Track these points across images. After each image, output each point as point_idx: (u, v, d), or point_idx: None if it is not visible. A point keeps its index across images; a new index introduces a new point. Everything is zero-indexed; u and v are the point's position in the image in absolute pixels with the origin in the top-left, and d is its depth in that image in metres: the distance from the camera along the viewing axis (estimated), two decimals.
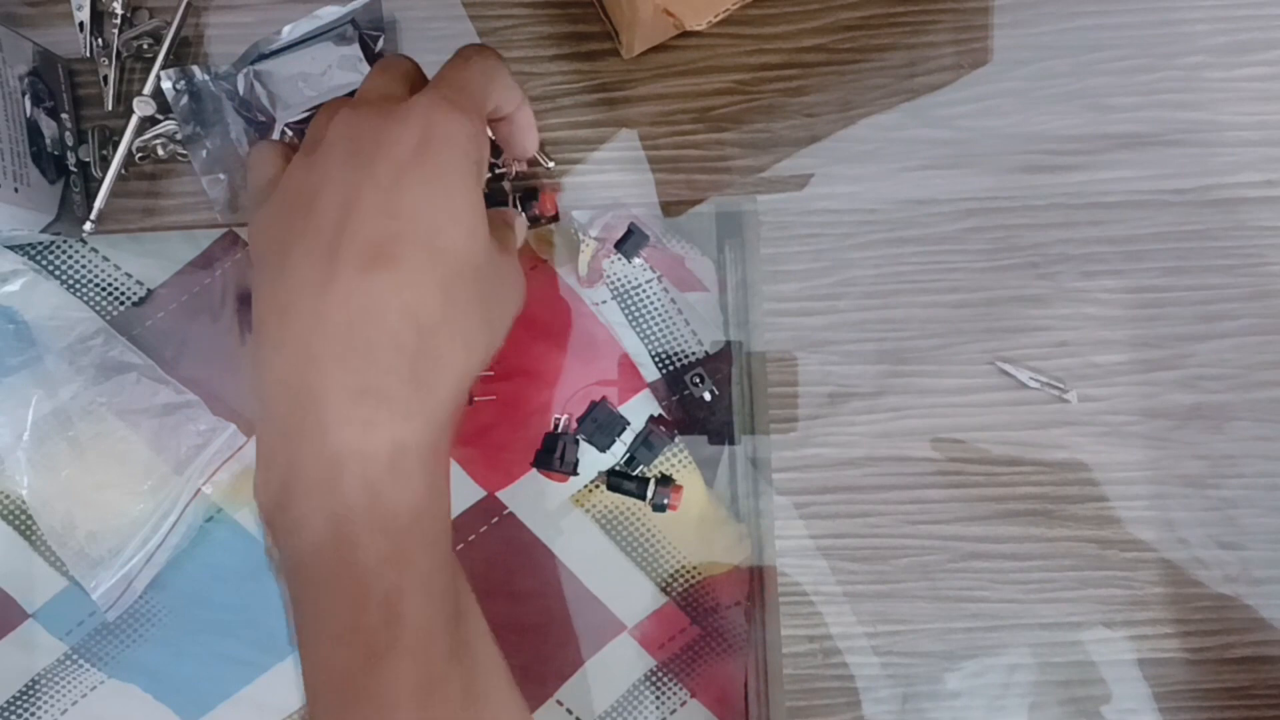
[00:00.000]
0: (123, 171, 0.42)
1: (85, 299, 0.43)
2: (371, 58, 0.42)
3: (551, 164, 0.43)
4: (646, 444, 0.43)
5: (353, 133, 0.32)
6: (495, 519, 0.45)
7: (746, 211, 0.44)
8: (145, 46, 0.42)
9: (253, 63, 0.41)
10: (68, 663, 0.44)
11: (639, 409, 0.44)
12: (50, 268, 0.43)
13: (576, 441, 0.44)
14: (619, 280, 0.44)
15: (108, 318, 0.44)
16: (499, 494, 0.44)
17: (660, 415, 0.45)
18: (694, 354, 0.45)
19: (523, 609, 0.45)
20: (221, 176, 0.42)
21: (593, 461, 0.44)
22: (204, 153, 0.41)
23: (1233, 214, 0.44)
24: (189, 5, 0.42)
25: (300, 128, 0.41)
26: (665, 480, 0.44)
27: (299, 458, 0.30)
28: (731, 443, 0.45)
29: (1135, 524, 0.44)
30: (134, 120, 0.41)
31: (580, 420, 0.44)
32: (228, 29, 0.43)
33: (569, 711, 0.45)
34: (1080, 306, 0.44)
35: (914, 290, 0.44)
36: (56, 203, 0.41)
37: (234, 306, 0.44)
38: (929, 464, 0.44)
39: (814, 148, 0.44)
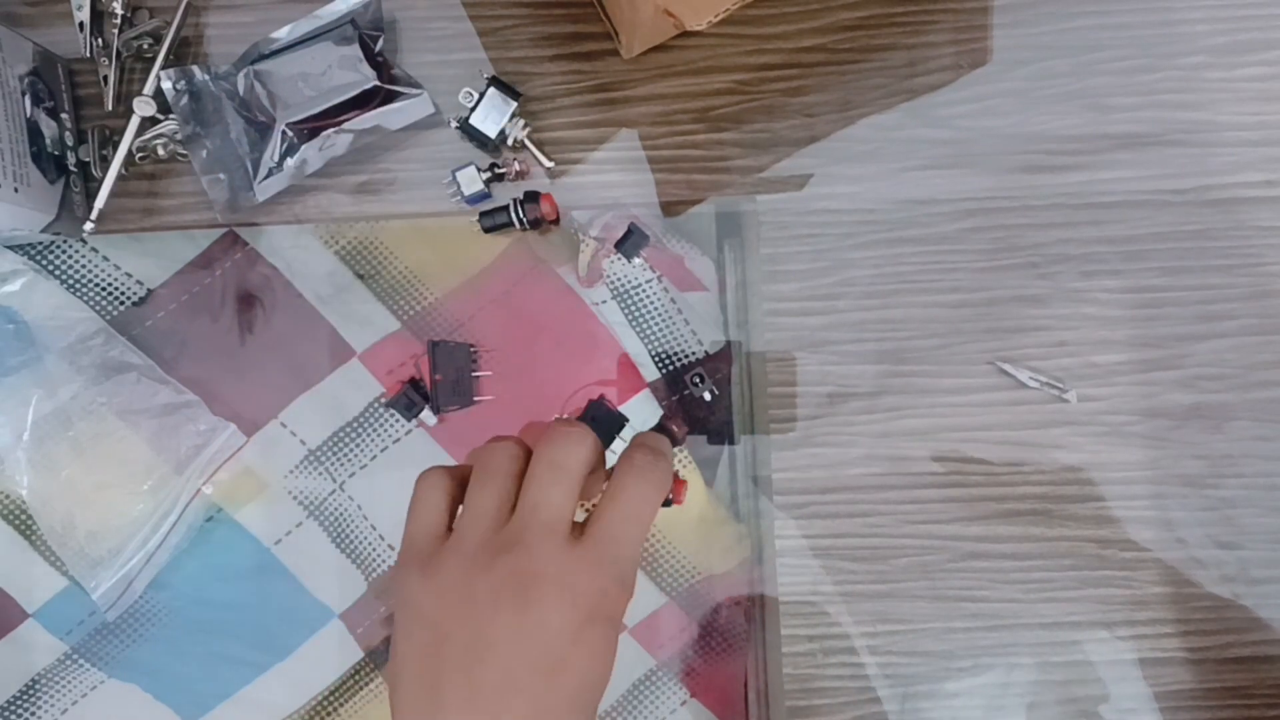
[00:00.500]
0: (123, 171, 0.42)
1: (85, 299, 0.43)
2: (371, 58, 0.41)
3: (551, 164, 0.43)
4: None
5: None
6: None
7: (746, 211, 0.44)
8: (145, 46, 0.42)
9: (253, 63, 0.41)
10: (68, 662, 0.44)
11: (639, 408, 0.44)
12: (50, 268, 0.43)
13: None
14: (619, 280, 0.44)
15: (108, 318, 0.44)
16: None
17: (671, 417, 0.44)
18: (694, 354, 0.45)
19: None
20: (221, 176, 0.42)
21: None
22: (204, 153, 0.41)
23: (1232, 214, 0.44)
24: (189, 5, 0.42)
25: (300, 127, 0.41)
26: None
27: None
28: (731, 443, 0.45)
29: (1135, 524, 0.44)
30: (134, 120, 0.42)
31: (580, 419, 0.44)
32: (228, 29, 0.43)
33: None
34: (1080, 306, 0.44)
35: (913, 290, 0.44)
36: (56, 203, 0.41)
37: (234, 307, 0.44)
38: (928, 464, 0.44)
39: (814, 148, 0.44)
